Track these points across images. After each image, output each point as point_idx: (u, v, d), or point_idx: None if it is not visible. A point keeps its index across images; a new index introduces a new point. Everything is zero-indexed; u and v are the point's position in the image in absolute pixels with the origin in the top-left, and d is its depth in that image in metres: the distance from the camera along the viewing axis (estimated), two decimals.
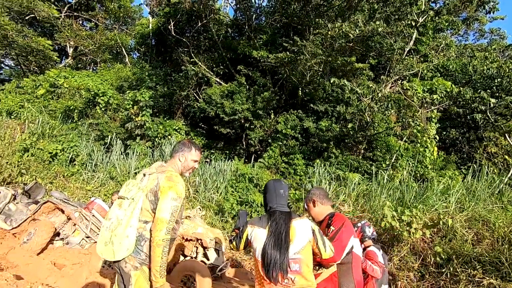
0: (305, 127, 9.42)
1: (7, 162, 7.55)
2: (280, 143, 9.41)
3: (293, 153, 9.07)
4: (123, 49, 13.96)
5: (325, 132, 9.25)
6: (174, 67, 11.03)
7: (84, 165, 8.22)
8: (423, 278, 4.22)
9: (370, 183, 6.64)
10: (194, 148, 2.16)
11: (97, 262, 3.75)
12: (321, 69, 8.52)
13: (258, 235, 1.83)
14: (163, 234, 1.82)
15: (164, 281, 1.87)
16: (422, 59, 10.01)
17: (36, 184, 5.25)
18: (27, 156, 7.85)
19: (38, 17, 13.07)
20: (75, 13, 14.86)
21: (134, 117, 9.10)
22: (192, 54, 9.74)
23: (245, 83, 9.66)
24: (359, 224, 3.07)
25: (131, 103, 8.99)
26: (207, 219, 6.96)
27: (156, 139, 9.32)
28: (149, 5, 11.88)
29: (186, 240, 4.04)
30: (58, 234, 4.34)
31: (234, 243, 2.02)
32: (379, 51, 10.31)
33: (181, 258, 4.10)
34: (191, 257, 3.98)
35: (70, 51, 15.46)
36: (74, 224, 4.39)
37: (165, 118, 10.66)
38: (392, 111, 8.12)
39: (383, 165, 7.80)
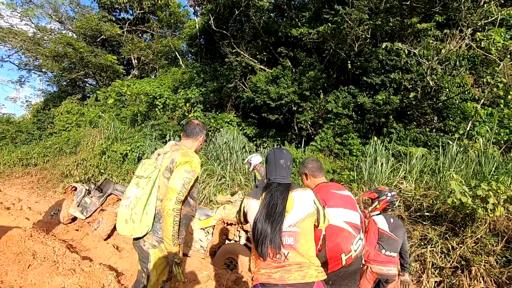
0: (359, 103, 8.64)
1: (90, 164, 8.86)
2: (332, 123, 8.85)
3: (347, 132, 8.44)
4: (177, 53, 14.91)
5: (382, 106, 8.33)
6: (221, 62, 11.29)
7: None
8: (508, 263, 3.45)
9: (438, 156, 5.73)
10: (205, 130, 2.38)
11: None
12: (369, 36, 7.63)
13: (252, 207, 1.68)
14: (173, 204, 1.84)
15: (177, 249, 1.89)
16: (502, 2, 8.09)
17: (106, 180, 5.99)
18: (104, 158, 9.08)
19: (105, 37, 14.91)
20: (134, 28, 16.46)
21: (187, 114, 9.66)
22: (234, 45, 9.80)
23: (289, 65, 9.33)
24: (389, 195, 2.87)
25: (183, 101, 9.54)
26: None
27: (209, 133, 9.72)
28: (192, 6, 12.36)
29: (228, 224, 4.10)
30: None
31: (237, 215, 1.92)
32: (446, 3, 8.72)
33: (227, 242, 4.18)
34: (235, 241, 4.03)
35: (135, 62, 17.27)
36: None
37: (217, 112, 11.06)
38: (462, 70, 6.81)
39: (456, 135, 6.64)
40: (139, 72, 17.04)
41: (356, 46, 7.97)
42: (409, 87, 8.25)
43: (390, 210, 2.89)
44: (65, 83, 17.13)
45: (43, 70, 16.20)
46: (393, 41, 7.11)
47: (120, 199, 5.10)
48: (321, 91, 9.37)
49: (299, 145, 9.46)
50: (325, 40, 8.35)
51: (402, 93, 8.58)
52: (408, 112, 8.18)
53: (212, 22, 10.06)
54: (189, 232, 4.56)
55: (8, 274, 2.82)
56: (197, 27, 13.53)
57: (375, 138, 7.64)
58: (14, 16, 14.51)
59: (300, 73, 9.07)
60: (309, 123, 9.22)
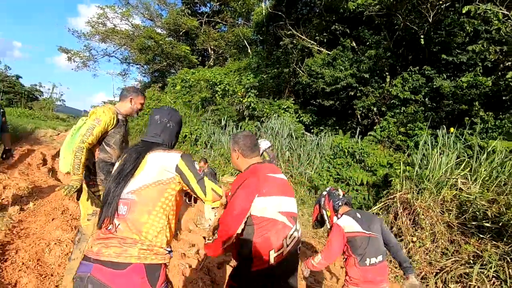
0: (434, 86, 7.14)
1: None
2: (397, 110, 7.59)
3: (414, 121, 7.11)
4: (245, 41, 15.19)
5: (466, 90, 6.68)
6: (282, 47, 10.97)
7: (204, 145, 9.62)
8: None
9: None
10: (136, 93, 2.45)
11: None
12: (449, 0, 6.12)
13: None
14: (77, 143, 2.11)
15: (77, 177, 2.09)
16: None
17: None
18: None
19: (185, 30, 16.33)
20: (210, 19, 17.49)
21: (241, 100, 9.77)
22: (291, 27, 9.34)
23: (350, 45, 8.36)
24: (324, 193, 2.36)
25: (240, 87, 9.68)
26: (298, 195, 6.60)
27: (263, 119, 9.64)
28: None
29: None
30: None
31: None
32: None
33: None
34: None
35: (211, 53, 18.43)
36: None
37: (275, 99, 10.86)
38: None
39: None
40: (214, 62, 18.12)
41: (431, 15, 6.52)
42: (507, 64, 6.35)
43: (340, 203, 2.22)
44: (154, 73, 19.58)
45: (138, 63, 18.94)
46: (480, 3, 5.51)
47: None
48: (387, 73, 8.12)
49: (358, 134, 8.47)
50: (391, 12, 7.11)
51: (499, 73, 6.68)
52: (504, 98, 6.34)
53: (267, 7, 9.77)
54: (199, 210, 4.62)
55: (35, 223, 3.38)
56: (263, 13, 13.43)
57: (453, 129, 6.20)
58: (116, 17, 17.29)
59: (362, 52, 8.04)
60: (374, 110, 8.12)
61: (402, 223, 4.01)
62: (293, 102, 10.53)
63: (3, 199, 4.01)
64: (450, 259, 3.39)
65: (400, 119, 7.45)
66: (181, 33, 17.87)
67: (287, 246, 1.62)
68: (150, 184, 1.28)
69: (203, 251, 3.41)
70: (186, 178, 1.33)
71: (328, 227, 2.31)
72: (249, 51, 15.50)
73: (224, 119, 9.86)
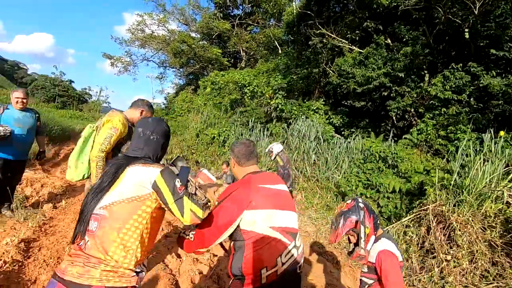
0: (481, 85, 6.43)
1: (186, 145, 10.22)
2: (437, 112, 6.96)
3: (456, 123, 6.47)
4: (276, 42, 15.07)
5: None
6: (312, 47, 10.68)
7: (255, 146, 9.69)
8: None
9: None
10: (148, 107, 2.57)
11: None
12: None
13: None
14: (95, 152, 2.24)
15: None
16: None
17: (178, 157, 6.72)
18: (198, 140, 10.26)
19: (216, 33, 16.66)
20: (242, 22, 17.64)
21: (269, 101, 9.67)
22: (320, 26, 9.03)
23: (384, 43, 7.85)
24: (359, 204, 1.82)
25: (268, 89, 9.60)
26: (324, 201, 6.35)
27: (291, 120, 9.45)
28: None
29: None
30: None
31: None
32: None
33: None
34: None
35: (243, 55, 18.59)
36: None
37: (304, 100, 10.60)
38: None
39: None
40: (245, 63, 18.24)
41: (478, 6, 5.86)
42: None
43: (379, 223, 1.86)
44: (188, 76, 20.25)
45: (173, 66, 19.75)
46: None
47: None
48: (425, 71, 7.50)
49: (396, 139, 7.93)
50: (430, 5, 6.53)
51: None
52: None
53: (295, 5, 9.54)
54: None
55: (63, 221, 3.61)
56: (294, 13, 13.20)
57: (502, 133, 5.53)
58: (154, 23, 18.20)
59: (397, 49, 7.50)
60: (410, 111, 7.55)
61: (435, 238, 3.62)
62: (323, 103, 10.18)
63: (40, 196, 4.35)
64: (491, 283, 2.97)
65: (440, 121, 6.82)
66: (213, 36, 18.26)
67: (283, 264, 1.49)
68: (123, 200, 1.22)
69: (215, 257, 3.38)
70: (163, 196, 1.25)
71: (360, 249, 1.74)
72: (279, 51, 15.34)
73: (251, 121, 9.83)
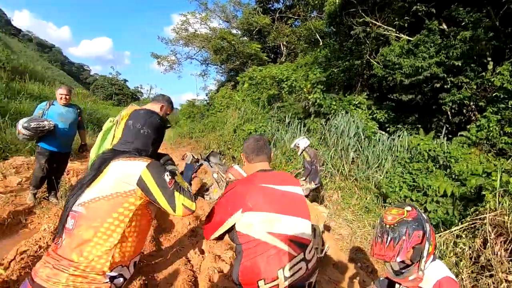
0: None
1: (223, 140, 10.36)
2: (502, 105, 6.01)
3: None
4: (317, 34, 14.46)
5: None
6: (354, 37, 10.01)
7: (269, 142, 9.54)
8: None
9: None
10: (168, 103, 2.51)
11: None
12: None
13: None
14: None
15: None
16: None
17: (213, 152, 6.79)
18: (234, 136, 10.31)
19: (256, 28, 16.57)
20: (282, 15, 17.28)
21: (307, 96, 9.31)
22: (364, 15, 8.38)
23: (437, 28, 6.99)
24: (422, 216, 1.46)
25: (306, 83, 9.25)
26: (362, 202, 5.91)
27: (329, 115, 8.98)
28: None
29: None
30: (207, 189, 5.46)
31: None
32: None
33: None
34: None
35: (283, 49, 18.27)
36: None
37: (345, 94, 10.02)
38: None
39: None
40: (285, 58, 17.91)
41: None
42: None
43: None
44: (230, 72, 20.54)
45: (215, 63, 20.18)
46: None
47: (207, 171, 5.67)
48: (489, 59, 6.51)
49: (444, 134, 7.07)
50: None
51: None
52: None
53: None
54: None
55: None
56: (336, 3, 12.53)
57: None
58: (197, 22, 18.74)
59: (453, 35, 6.62)
60: (469, 105, 6.65)
61: (494, 253, 3.07)
62: (366, 97, 9.50)
63: (72, 185, 4.69)
64: None
65: (506, 116, 5.87)
66: (254, 32, 18.19)
67: (285, 279, 1.29)
68: (103, 196, 1.13)
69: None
70: (150, 192, 1.16)
71: (419, 271, 1.37)
72: (321, 43, 14.72)
73: (288, 116, 9.57)
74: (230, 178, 5.18)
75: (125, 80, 52.78)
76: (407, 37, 7.68)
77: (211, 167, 5.67)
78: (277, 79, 10.41)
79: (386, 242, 1.38)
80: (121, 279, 1.15)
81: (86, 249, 1.08)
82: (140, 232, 1.22)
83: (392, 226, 1.39)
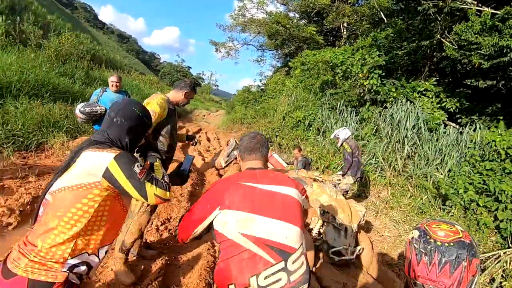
0: None
1: (271, 127, 10.28)
2: None
3: None
4: (381, 13, 13.03)
5: None
6: (421, 13, 8.74)
7: (317, 131, 9.14)
8: None
9: None
10: (191, 88, 2.57)
11: None
12: None
13: None
14: None
15: None
16: None
17: None
18: (283, 123, 10.13)
19: (315, 10, 15.69)
20: None
21: (363, 82, 8.57)
22: None
23: None
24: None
25: (363, 68, 8.51)
26: (415, 202, 5.29)
27: (387, 104, 8.14)
28: None
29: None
30: None
31: None
32: None
33: None
34: (309, 227, 3.42)
35: (344, 32, 17.05)
36: None
37: (409, 80, 8.93)
38: None
39: None
40: (345, 41, 16.71)
41: None
42: None
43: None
44: (286, 57, 20.09)
45: (270, 49, 19.90)
46: None
47: None
48: None
49: None
50: None
51: None
52: None
53: None
54: None
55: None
56: None
57: None
58: (254, 7, 18.55)
59: None
60: None
61: None
62: (435, 83, 8.31)
63: None
64: None
65: None
66: (312, 14, 17.30)
67: None
68: (68, 186, 1.14)
69: None
70: (118, 183, 1.15)
71: None
72: (384, 24, 13.26)
73: (340, 104, 8.98)
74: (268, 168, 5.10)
75: (189, 67, 56.13)
76: (491, 10, 6.37)
77: None
78: (331, 64, 9.75)
79: (439, 264, 1.06)
80: (84, 267, 1.16)
81: (50, 237, 1.10)
82: (109, 222, 1.21)
83: (447, 245, 1.06)
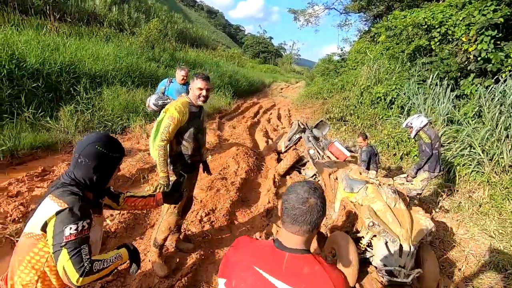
0: None
1: (345, 104, 9.38)
2: None
3: None
4: None
5: None
6: None
7: (400, 109, 7.87)
8: None
9: None
10: (196, 78, 2.39)
11: None
12: None
13: None
14: (158, 141, 2.32)
15: (164, 174, 2.33)
16: None
17: (322, 122, 6.26)
18: (360, 99, 9.06)
19: None
20: None
21: (467, 47, 6.79)
22: None
23: None
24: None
25: (465, 28, 6.72)
26: (493, 207, 4.14)
27: (500, 76, 6.30)
28: None
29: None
30: (305, 164, 5.19)
31: None
32: None
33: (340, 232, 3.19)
34: (355, 235, 3.01)
35: None
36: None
37: None
38: None
39: None
40: None
41: None
42: None
43: None
44: (375, 20, 17.54)
45: (354, 11, 17.55)
46: None
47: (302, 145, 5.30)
48: None
49: None
50: None
51: None
52: None
53: None
54: None
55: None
56: None
57: None
58: None
59: None
60: None
61: None
62: None
63: None
64: None
65: None
66: None
67: None
68: (25, 233, 1.16)
69: None
70: (48, 240, 1.13)
71: None
72: None
73: (433, 76, 7.41)
74: (329, 158, 4.66)
75: (271, 38, 55.40)
76: None
77: (309, 141, 5.29)
78: (425, 26, 7.94)
79: None
80: None
81: (13, 277, 1.15)
82: (61, 280, 1.17)
83: None
